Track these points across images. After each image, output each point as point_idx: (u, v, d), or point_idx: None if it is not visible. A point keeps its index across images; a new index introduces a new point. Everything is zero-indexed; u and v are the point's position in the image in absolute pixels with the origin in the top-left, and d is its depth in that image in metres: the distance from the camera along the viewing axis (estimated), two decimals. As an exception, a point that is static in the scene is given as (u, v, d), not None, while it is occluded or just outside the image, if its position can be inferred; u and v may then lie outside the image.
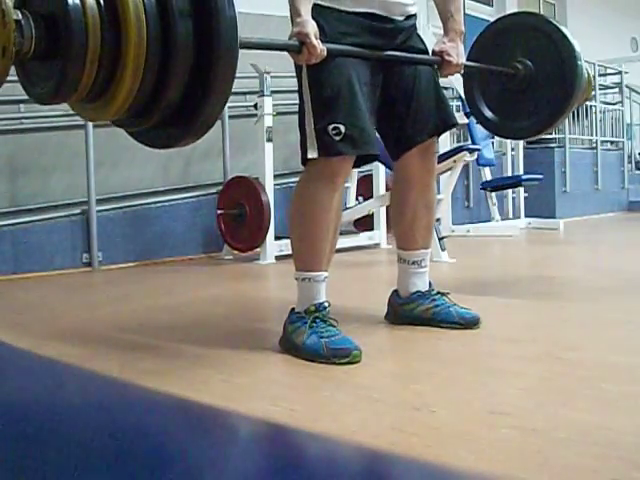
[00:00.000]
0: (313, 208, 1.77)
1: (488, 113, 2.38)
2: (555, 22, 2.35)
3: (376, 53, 1.82)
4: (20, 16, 1.21)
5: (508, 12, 9.10)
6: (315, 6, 1.75)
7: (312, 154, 1.73)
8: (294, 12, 1.67)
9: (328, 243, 1.80)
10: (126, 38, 1.22)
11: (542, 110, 2.26)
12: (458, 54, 1.93)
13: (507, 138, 2.39)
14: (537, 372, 1.58)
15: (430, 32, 4.66)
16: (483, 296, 2.54)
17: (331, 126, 1.71)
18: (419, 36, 1.97)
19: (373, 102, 1.85)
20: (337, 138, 1.71)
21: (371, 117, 1.82)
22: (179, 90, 1.30)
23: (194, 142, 1.39)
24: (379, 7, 1.82)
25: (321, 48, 1.63)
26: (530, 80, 2.24)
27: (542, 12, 10.19)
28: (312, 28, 1.63)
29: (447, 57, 1.91)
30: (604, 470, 1.01)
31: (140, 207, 4.12)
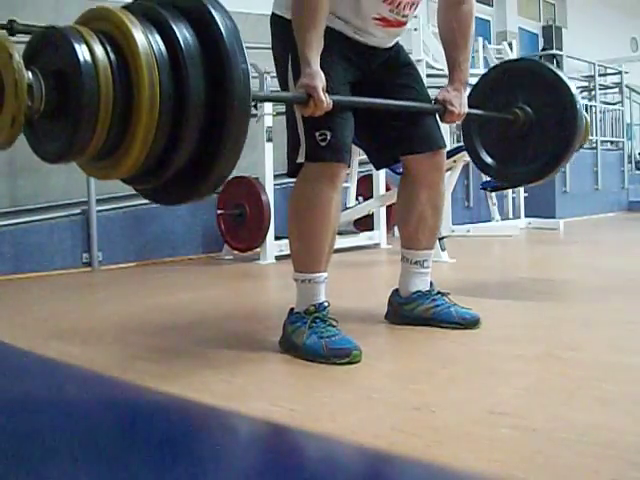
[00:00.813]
0: (312, 209, 1.77)
1: (487, 158, 2.38)
2: (554, 68, 2.35)
3: (377, 102, 1.83)
4: (31, 77, 1.16)
5: (508, 19, 9.15)
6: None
7: (301, 159, 1.75)
8: (303, 60, 1.64)
9: (327, 244, 1.80)
10: (138, 97, 1.18)
11: (541, 157, 2.26)
12: (461, 104, 1.93)
13: (505, 183, 2.38)
14: (537, 372, 1.58)
15: (430, 32, 4.66)
16: (483, 296, 2.54)
17: (318, 132, 1.71)
18: (403, 50, 2.01)
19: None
20: (322, 144, 1.71)
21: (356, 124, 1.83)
22: (192, 147, 1.26)
23: (208, 195, 1.36)
24: (361, 38, 1.84)
25: (328, 102, 1.61)
26: (529, 126, 2.24)
27: (542, 12, 10.21)
28: (321, 81, 1.61)
29: (450, 107, 1.91)
30: (604, 470, 1.01)
31: (140, 207, 4.12)
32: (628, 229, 6.32)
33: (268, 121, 3.94)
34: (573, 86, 2.28)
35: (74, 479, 1.06)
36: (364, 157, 4.70)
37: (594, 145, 7.81)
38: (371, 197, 4.55)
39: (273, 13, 1.87)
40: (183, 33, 1.23)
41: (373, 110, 1.90)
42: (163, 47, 1.21)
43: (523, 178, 2.37)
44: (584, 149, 7.70)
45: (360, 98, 1.81)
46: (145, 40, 1.19)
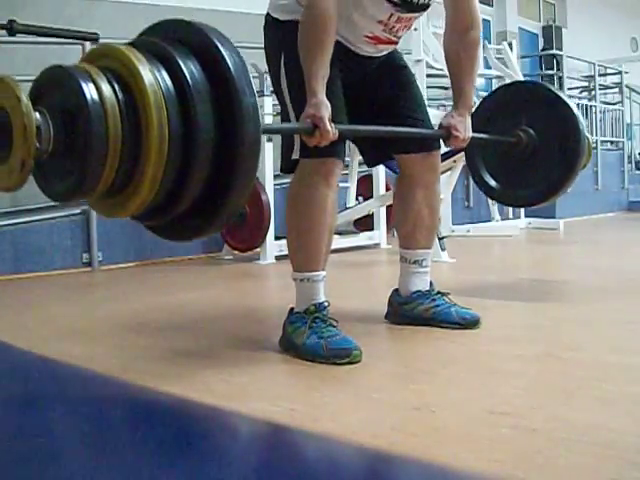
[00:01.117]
0: (309, 208, 1.77)
1: (490, 181, 2.38)
2: (556, 90, 2.35)
3: (381, 129, 1.84)
4: (39, 118, 1.15)
5: (508, 19, 9.15)
6: (292, 22, 1.75)
7: (296, 155, 1.75)
8: (309, 90, 1.62)
9: (324, 242, 1.80)
10: (147, 137, 1.16)
11: (545, 180, 2.27)
12: (466, 128, 1.93)
13: (509, 206, 2.38)
14: (537, 372, 1.58)
15: (430, 32, 4.66)
16: (483, 296, 2.54)
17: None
18: (398, 52, 2.01)
19: (355, 102, 1.85)
20: None
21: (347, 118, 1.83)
22: (201, 184, 1.24)
23: (219, 231, 1.34)
24: (351, 47, 1.84)
25: (334, 132, 1.61)
26: (533, 149, 2.25)
27: (542, 12, 10.21)
28: (327, 111, 1.60)
29: (455, 132, 1.91)
30: (604, 470, 1.01)
31: (140, 207, 4.13)
32: (628, 229, 6.32)
33: (268, 121, 3.94)
34: (576, 108, 2.28)
35: (74, 479, 1.06)
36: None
37: (594, 145, 7.81)
38: (371, 197, 4.55)
39: (267, 14, 1.87)
40: (190, 70, 1.21)
41: (366, 108, 1.90)
42: (170, 84, 1.20)
43: (526, 201, 2.37)
44: (584, 149, 7.71)
45: (365, 127, 1.82)
46: (152, 78, 1.18)
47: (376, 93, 1.94)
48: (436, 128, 2.00)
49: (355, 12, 1.75)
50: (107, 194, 1.24)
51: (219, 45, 1.23)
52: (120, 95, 1.17)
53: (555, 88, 2.42)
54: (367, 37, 1.82)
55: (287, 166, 1.81)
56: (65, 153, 1.18)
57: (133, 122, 1.17)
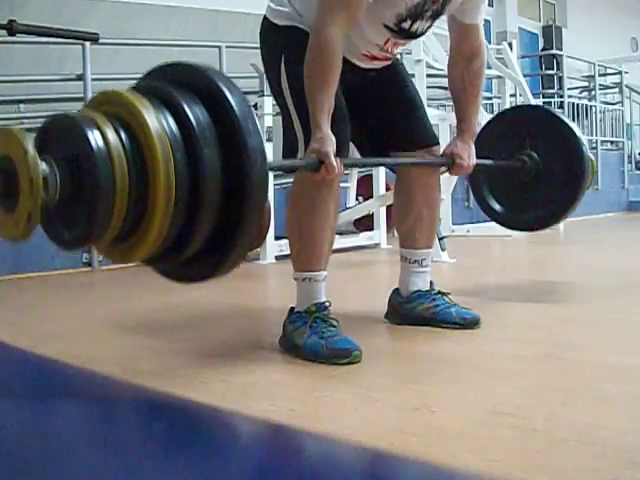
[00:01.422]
0: (311, 208, 1.77)
1: (494, 204, 2.39)
2: (560, 114, 2.36)
3: (383, 159, 1.84)
4: (46, 168, 1.14)
5: (508, 19, 9.15)
6: (291, 27, 1.76)
7: (300, 155, 1.74)
8: (314, 124, 1.61)
9: (327, 242, 1.80)
10: (154, 186, 1.16)
11: (549, 205, 2.27)
12: (470, 156, 1.93)
13: (514, 230, 2.38)
14: (537, 372, 1.58)
15: (430, 32, 4.66)
16: (483, 296, 2.54)
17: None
18: (398, 60, 2.01)
19: (355, 101, 1.85)
20: None
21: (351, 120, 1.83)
22: (210, 227, 1.24)
23: (232, 270, 1.33)
24: (349, 59, 1.83)
25: (339, 167, 1.60)
26: (537, 173, 2.25)
27: (542, 12, 10.20)
28: (332, 146, 1.59)
29: (458, 160, 1.92)
30: (604, 470, 1.01)
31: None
32: (628, 229, 6.32)
33: (268, 121, 3.94)
34: (578, 130, 2.29)
35: (73, 479, 1.06)
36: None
37: (594, 145, 7.81)
38: (371, 197, 4.55)
39: (265, 19, 1.86)
40: (196, 114, 1.20)
41: (364, 106, 1.90)
42: (176, 129, 1.19)
43: (530, 225, 2.37)
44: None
45: (368, 159, 1.81)
46: (158, 124, 1.17)
47: (375, 93, 1.94)
48: (436, 129, 2.01)
49: (354, 35, 1.75)
50: (115, 241, 1.23)
51: (223, 88, 1.21)
52: (126, 142, 1.16)
53: (557, 111, 2.44)
54: (364, 55, 1.84)
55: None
56: (72, 201, 1.17)
57: (140, 170, 1.16)
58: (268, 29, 1.84)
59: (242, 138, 1.18)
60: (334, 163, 1.58)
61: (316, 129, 1.60)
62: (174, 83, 1.25)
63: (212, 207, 1.21)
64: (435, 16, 1.82)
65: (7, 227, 1.18)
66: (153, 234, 1.18)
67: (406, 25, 1.77)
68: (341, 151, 1.74)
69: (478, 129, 2.24)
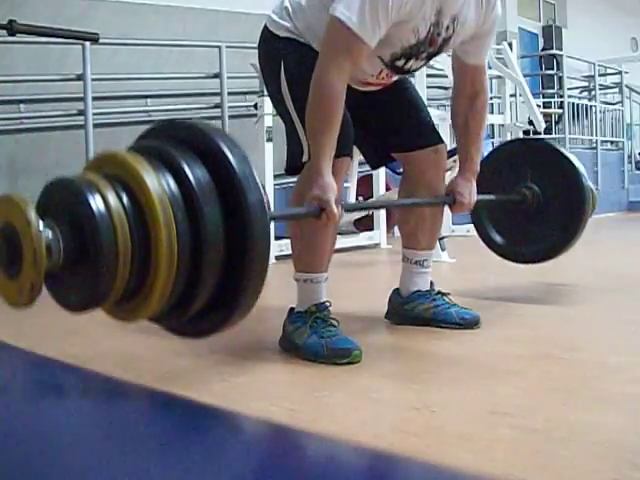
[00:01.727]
0: None
1: (496, 237, 2.39)
2: (560, 148, 2.37)
3: (385, 202, 1.84)
4: (49, 235, 1.14)
5: (508, 19, 9.15)
6: (291, 38, 1.77)
7: (306, 157, 1.74)
8: (316, 171, 1.60)
9: (329, 243, 1.80)
10: (156, 250, 1.16)
11: (550, 237, 2.28)
12: (471, 193, 1.94)
13: (516, 262, 2.39)
14: (537, 372, 1.58)
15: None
16: (483, 296, 2.54)
17: None
18: None
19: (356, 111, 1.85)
20: None
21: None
22: (214, 282, 1.24)
23: (241, 321, 1.33)
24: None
25: (340, 214, 1.60)
26: (538, 206, 2.26)
27: (542, 12, 10.20)
28: (333, 193, 1.58)
29: (460, 198, 1.92)
30: (604, 470, 1.01)
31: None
32: (628, 229, 6.32)
33: (268, 121, 3.94)
34: (578, 162, 2.30)
35: (74, 478, 1.06)
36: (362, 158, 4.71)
37: (594, 145, 7.81)
38: (371, 197, 4.55)
39: (265, 29, 1.86)
40: (195, 173, 1.20)
41: (366, 110, 1.91)
42: (177, 189, 1.19)
43: (532, 258, 2.37)
44: (584, 149, 7.72)
45: (369, 202, 1.81)
46: (158, 185, 1.17)
47: (376, 97, 1.93)
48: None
49: None
50: (119, 302, 1.24)
51: (223, 146, 1.22)
52: (127, 205, 1.17)
53: (556, 144, 2.45)
54: (359, 80, 1.85)
55: (294, 168, 1.80)
56: (76, 266, 1.18)
57: (142, 233, 1.17)
58: (268, 38, 1.84)
59: (242, 195, 1.19)
60: (335, 211, 1.57)
61: (318, 176, 1.59)
62: (173, 142, 1.25)
63: (215, 264, 1.22)
64: (430, 57, 1.83)
65: (11, 294, 1.20)
66: (156, 295, 1.19)
67: (399, 63, 1.79)
68: (346, 152, 1.74)
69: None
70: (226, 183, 1.20)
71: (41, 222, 1.13)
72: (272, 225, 3.93)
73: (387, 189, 4.60)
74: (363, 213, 4.46)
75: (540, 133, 6.16)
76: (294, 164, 1.79)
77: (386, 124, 1.96)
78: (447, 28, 1.74)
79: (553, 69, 8.36)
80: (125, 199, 1.17)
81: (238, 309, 1.27)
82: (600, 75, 8.64)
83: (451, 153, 4.19)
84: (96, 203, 1.14)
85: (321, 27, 1.68)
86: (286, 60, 1.76)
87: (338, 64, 1.61)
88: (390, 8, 1.59)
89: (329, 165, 1.61)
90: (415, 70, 1.87)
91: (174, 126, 1.31)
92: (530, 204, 2.27)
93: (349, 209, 1.66)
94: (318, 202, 1.57)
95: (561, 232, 2.26)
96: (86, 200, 1.14)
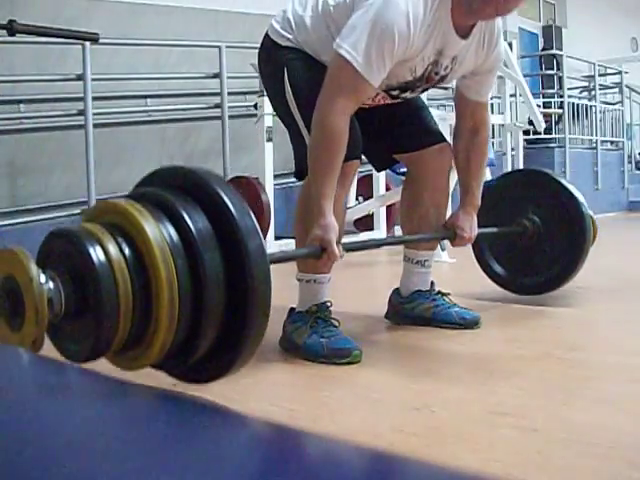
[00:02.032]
0: None
1: (497, 268, 2.40)
2: (561, 178, 2.37)
3: (385, 239, 1.84)
4: (51, 286, 1.15)
5: (508, 19, 9.13)
6: (293, 47, 1.77)
7: None
8: (318, 211, 1.60)
9: None
10: (157, 299, 1.16)
11: (552, 268, 2.29)
12: (472, 227, 1.94)
13: (519, 294, 2.39)
14: (537, 372, 1.58)
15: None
16: (483, 296, 2.54)
17: None
18: None
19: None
20: None
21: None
22: (216, 328, 1.24)
23: (248, 363, 1.33)
24: None
25: (341, 254, 1.60)
26: (538, 237, 2.28)
27: (542, 12, 10.20)
28: (335, 234, 1.59)
29: (460, 232, 1.93)
30: (604, 470, 1.01)
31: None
32: (628, 229, 6.32)
33: (268, 121, 3.94)
34: (579, 193, 2.30)
35: (72, 479, 1.06)
36: (364, 157, 4.71)
37: (594, 145, 7.81)
38: (371, 197, 4.55)
39: (267, 37, 1.85)
40: (194, 220, 1.20)
41: (369, 113, 1.91)
42: (176, 236, 1.19)
43: (533, 289, 2.37)
44: (584, 149, 7.72)
45: (371, 241, 1.81)
46: (158, 233, 1.17)
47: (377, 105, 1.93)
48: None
49: None
50: (121, 351, 1.25)
51: (220, 192, 1.22)
52: (128, 255, 1.17)
53: (554, 173, 2.45)
54: None
55: (302, 172, 1.78)
56: (77, 317, 1.19)
57: (142, 282, 1.17)
58: (270, 46, 1.84)
59: (242, 240, 1.19)
60: (336, 251, 1.57)
61: (320, 216, 1.59)
62: (171, 189, 1.26)
63: (216, 314, 1.22)
64: (426, 90, 1.84)
65: (14, 345, 1.21)
66: (158, 345, 1.20)
67: (395, 93, 1.80)
68: (355, 156, 1.74)
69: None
70: (225, 229, 1.20)
71: (42, 275, 1.14)
72: (272, 225, 3.94)
73: (387, 189, 4.60)
74: (363, 213, 4.46)
75: (540, 133, 6.16)
76: (301, 168, 1.77)
77: (388, 126, 1.96)
78: (446, 67, 1.75)
79: (553, 69, 8.36)
80: (125, 248, 1.17)
81: (242, 353, 1.27)
82: (600, 75, 8.64)
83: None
84: (97, 254, 1.15)
85: (323, 49, 1.70)
86: (289, 66, 1.76)
87: (342, 104, 1.60)
88: (396, 50, 1.59)
89: (331, 204, 1.61)
90: (409, 98, 1.87)
91: (173, 173, 1.32)
92: (531, 235, 2.29)
93: (350, 249, 1.67)
94: (320, 242, 1.57)
95: (563, 262, 2.27)
96: (86, 251, 1.15)
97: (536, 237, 2.28)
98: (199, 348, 1.25)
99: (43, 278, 1.14)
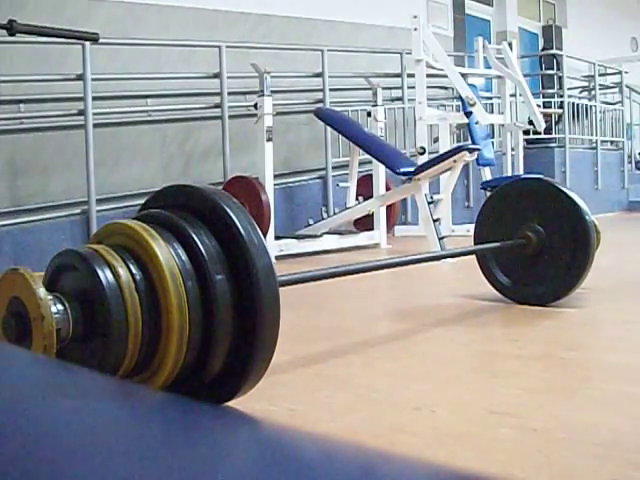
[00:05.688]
0: None
1: (502, 278, 2.40)
2: (563, 187, 2.37)
3: (391, 262, 1.85)
4: (60, 310, 1.13)
5: (508, 19, 9.13)
6: None
7: None
8: None
9: None
10: (167, 318, 1.15)
11: (556, 278, 2.28)
12: None
13: (525, 304, 2.38)
14: (537, 372, 1.58)
15: (430, 32, 4.66)
16: (483, 296, 2.54)
17: None
18: None
19: None
20: None
21: None
22: (226, 347, 1.23)
23: (256, 384, 1.33)
24: None
25: None
26: (543, 247, 2.28)
27: (542, 12, 10.20)
28: None
29: None
30: (604, 470, 1.01)
31: (139, 207, 4.12)
32: (628, 229, 6.32)
33: (268, 121, 3.94)
34: (581, 201, 2.30)
35: (75, 478, 1.07)
36: (364, 157, 4.71)
37: (594, 145, 7.81)
38: (371, 197, 4.55)
39: None
40: (204, 241, 1.20)
41: None
42: (186, 258, 1.19)
43: (539, 299, 2.37)
44: (584, 149, 7.71)
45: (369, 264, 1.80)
46: (168, 255, 1.17)
47: None
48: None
49: None
50: (130, 375, 1.23)
51: (228, 211, 1.22)
52: (137, 276, 1.16)
53: (556, 182, 2.44)
54: None
55: None
56: (85, 340, 1.18)
57: (152, 304, 1.16)
58: None
59: (250, 260, 1.19)
60: None
61: None
62: (178, 209, 1.25)
63: (225, 337, 1.22)
64: None
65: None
66: (166, 371, 1.19)
67: None
68: None
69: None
70: (234, 249, 1.20)
71: (50, 298, 1.12)
72: (272, 225, 3.94)
73: (387, 189, 4.60)
74: (363, 213, 4.46)
75: (540, 133, 6.16)
76: None
77: None
78: None
79: (553, 69, 8.36)
80: (134, 270, 1.16)
81: (253, 373, 1.26)
82: (600, 75, 8.64)
83: (452, 153, 4.19)
84: (105, 277, 1.13)
85: None
86: None
87: None
88: None
89: None
90: None
91: (179, 192, 1.31)
92: (535, 246, 2.29)
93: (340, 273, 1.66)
94: None
95: (567, 272, 2.27)
96: (95, 273, 1.13)
97: (540, 247, 2.29)
98: (209, 370, 1.24)
99: (51, 302, 1.12)
